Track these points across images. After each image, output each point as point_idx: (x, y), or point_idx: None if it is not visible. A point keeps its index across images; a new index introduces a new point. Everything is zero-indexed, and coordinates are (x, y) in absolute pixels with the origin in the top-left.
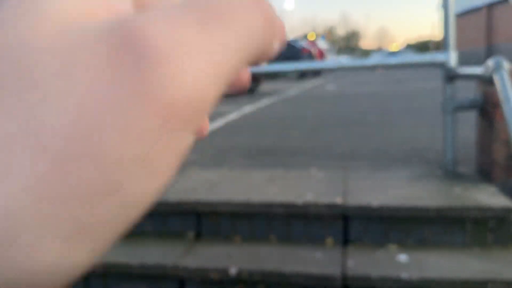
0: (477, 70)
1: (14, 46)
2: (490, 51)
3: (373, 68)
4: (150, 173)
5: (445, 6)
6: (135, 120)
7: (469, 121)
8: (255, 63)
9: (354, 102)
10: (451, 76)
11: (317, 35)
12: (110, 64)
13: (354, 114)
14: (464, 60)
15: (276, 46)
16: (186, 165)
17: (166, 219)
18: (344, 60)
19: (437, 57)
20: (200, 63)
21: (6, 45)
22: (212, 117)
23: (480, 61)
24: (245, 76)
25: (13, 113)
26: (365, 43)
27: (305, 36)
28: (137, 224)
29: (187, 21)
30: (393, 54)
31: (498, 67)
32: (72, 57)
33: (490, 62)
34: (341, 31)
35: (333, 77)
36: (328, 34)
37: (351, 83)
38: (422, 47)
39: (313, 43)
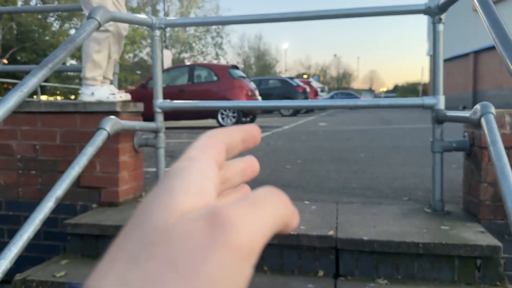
0: (465, 113)
1: (151, 230)
2: (476, 97)
3: (365, 108)
4: None
5: (435, 53)
6: (223, 258)
7: (456, 161)
8: (283, 230)
9: (345, 139)
10: (440, 119)
11: (310, 76)
12: (208, 230)
13: (345, 151)
14: (453, 104)
15: (294, 222)
16: None
17: None
18: (338, 99)
19: (427, 100)
20: (254, 227)
21: (145, 230)
22: None
23: (468, 105)
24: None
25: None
26: (356, 84)
27: (299, 76)
28: None
29: (247, 205)
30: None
31: (485, 112)
32: (187, 232)
33: (478, 107)
34: (333, 72)
35: (326, 114)
36: (321, 75)
37: (342, 120)
38: (411, 89)
39: (307, 82)
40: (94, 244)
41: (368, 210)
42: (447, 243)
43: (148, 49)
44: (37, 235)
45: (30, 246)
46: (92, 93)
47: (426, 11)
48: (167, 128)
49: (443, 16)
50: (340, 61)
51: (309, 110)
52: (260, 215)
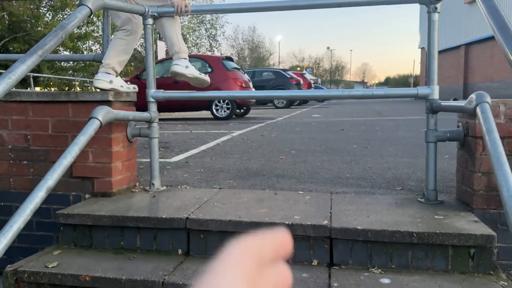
0: (460, 103)
1: None
2: (467, 89)
3: (360, 98)
4: None
5: (429, 42)
6: None
7: (449, 152)
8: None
9: (338, 130)
10: (434, 109)
11: (303, 68)
12: None
13: (339, 142)
14: (444, 96)
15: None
16: (177, 185)
17: (156, 235)
18: (333, 90)
19: (422, 90)
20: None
21: None
22: (203, 139)
23: (459, 98)
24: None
25: None
26: (349, 77)
27: (293, 68)
28: (127, 240)
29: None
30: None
31: (481, 101)
32: None
33: (474, 96)
34: (326, 65)
35: (319, 106)
36: (314, 67)
37: (335, 112)
38: (402, 82)
39: (300, 75)
40: (88, 234)
41: (361, 200)
42: (441, 232)
43: (142, 41)
44: (29, 226)
45: (21, 237)
46: (111, 81)
47: (421, 0)
48: (161, 120)
49: (438, 5)
50: (333, 54)
51: (303, 102)
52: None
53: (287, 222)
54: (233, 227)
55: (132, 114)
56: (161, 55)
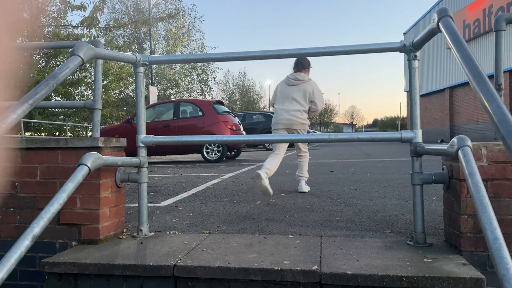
0: (443, 147)
1: None
2: (453, 130)
3: (346, 141)
4: None
5: (411, 88)
6: None
7: (436, 194)
8: None
9: (328, 172)
10: (419, 152)
11: None
12: None
13: (328, 184)
14: (432, 138)
15: None
16: (166, 230)
17: (142, 284)
18: (320, 133)
19: (405, 134)
20: None
21: None
22: (193, 183)
23: (446, 139)
24: None
25: None
26: (337, 119)
27: None
28: (111, 287)
29: None
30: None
31: (462, 144)
32: None
33: (455, 140)
34: None
35: (309, 148)
36: None
37: (324, 153)
38: (390, 124)
39: None
40: (73, 283)
41: (351, 243)
42: (430, 276)
43: (134, 86)
44: (13, 275)
45: (5, 287)
46: None
47: (402, 48)
48: (151, 163)
49: (418, 53)
50: (322, 97)
51: (292, 144)
52: None
53: (276, 268)
54: (222, 274)
55: (121, 159)
56: (153, 99)
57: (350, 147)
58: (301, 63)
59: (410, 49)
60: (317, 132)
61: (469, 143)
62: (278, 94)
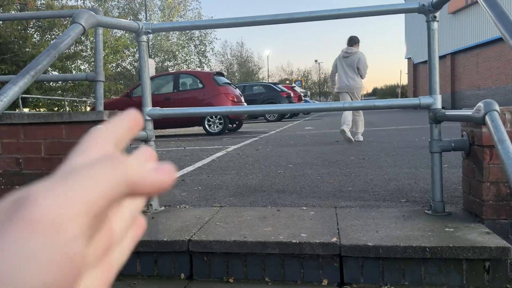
0: (466, 112)
1: None
2: (455, 97)
3: (361, 109)
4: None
5: (430, 51)
6: (20, 232)
7: (447, 161)
8: (137, 192)
9: (333, 142)
10: (438, 118)
11: (292, 81)
12: (10, 207)
13: (335, 154)
14: None
15: (152, 181)
16: (175, 204)
17: (156, 260)
18: (334, 102)
19: (424, 100)
20: (60, 200)
21: None
22: (198, 156)
23: (447, 106)
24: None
25: None
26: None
27: (282, 81)
28: (127, 265)
29: (56, 179)
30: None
31: (490, 109)
32: None
33: (481, 105)
34: (314, 77)
35: (310, 118)
36: (303, 80)
37: (327, 123)
38: (390, 92)
39: (290, 88)
40: None
41: (367, 214)
42: (455, 246)
43: (130, 59)
44: None
45: None
46: None
47: (420, 9)
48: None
49: (437, 14)
50: (320, 67)
51: (294, 115)
52: (72, 187)
53: (294, 241)
54: (239, 248)
55: None
56: (151, 72)
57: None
58: (353, 39)
59: (429, 10)
60: (316, 102)
61: (497, 107)
62: (338, 65)
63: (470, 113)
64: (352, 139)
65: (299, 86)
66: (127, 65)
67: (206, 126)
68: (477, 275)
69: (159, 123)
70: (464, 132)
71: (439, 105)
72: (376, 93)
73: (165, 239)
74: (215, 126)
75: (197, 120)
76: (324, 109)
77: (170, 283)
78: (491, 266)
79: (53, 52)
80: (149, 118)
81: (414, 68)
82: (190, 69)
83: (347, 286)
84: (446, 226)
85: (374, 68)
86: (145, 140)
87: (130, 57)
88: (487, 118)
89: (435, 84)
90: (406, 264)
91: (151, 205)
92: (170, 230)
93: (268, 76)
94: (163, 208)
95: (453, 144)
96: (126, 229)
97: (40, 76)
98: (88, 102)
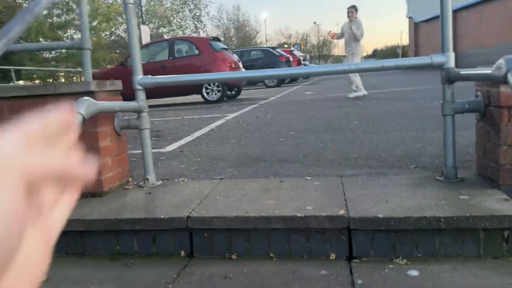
0: (485, 70)
1: None
2: (457, 56)
3: (369, 71)
4: None
5: (442, 5)
6: None
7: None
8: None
9: (335, 106)
10: (452, 78)
11: (291, 45)
12: None
13: (338, 119)
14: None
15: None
16: (173, 177)
17: (154, 238)
18: (339, 64)
19: (436, 58)
20: None
21: None
22: (196, 125)
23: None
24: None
25: None
26: (337, 51)
27: (280, 45)
28: (124, 244)
29: None
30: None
31: None
32: None
33: (503, 61)
34: (314, 40)
35: (310, 83)
36: (302, 44)
37: (328, 88)
38: (390, 53)
39: (289, 52)
40: (80, 240)
41: (375, 182)
42: (472, 215)
43: (124, 26)
44: None
45: None
46: None
47: None
48: (150, 107)
49: None
50: (319, 29)
51: (293, 80)
52: None
53: (299, 215)
54: (241, 224)
55: (118, 104)
56: (146, 39)
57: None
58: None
59: None
60: (315, 65)
61: None
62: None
63: (490, 71)
64: (362, 93)
65: (298, 50)
66: (121, 32)
67: (204, 94)
68: (495, 244)
69: (156, 92)
70: (478, 93)
71: (452, 63)
72: (377, 54)
73: (162, 217)
74: (214, 94)
75: (195, 88)
76: (327, 72)
77: (170, 261)
78: (510, 235)
79: (28, 16)
80: (140, 88)
81: (415, 28)
82: (185, 35)
83: (356, 260)
84: (460, 193)
85: (373, 28)
86: (138, 111)
87: (124, 24)
88: (509, 76)
89: (447, 40)
90: (420, 235)
91: (147, 179)
92: (168, 206)
93: (266, 40)
94: (160, 182)
95: (467, 106)
96: (57, 198)
97: (26, 45)
98: (114, 82)
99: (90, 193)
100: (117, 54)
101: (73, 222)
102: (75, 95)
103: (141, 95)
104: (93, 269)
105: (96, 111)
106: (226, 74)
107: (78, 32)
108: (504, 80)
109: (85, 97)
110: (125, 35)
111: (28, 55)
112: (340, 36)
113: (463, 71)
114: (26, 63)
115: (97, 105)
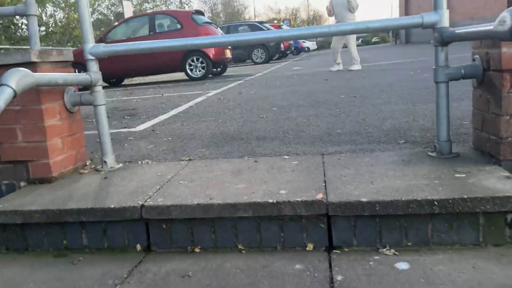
0: (486, 27)
1: None
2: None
3: (351, 33)
4: None
5: None
6: None
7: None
8: None
9: (322, 80)
10: (446, 39)
11: (280, 20)
12: None
13: (323, 93)
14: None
15: None
16: (138, 159)
17: (105, 230)
18: (317, 26)
19: (428, 17)
20: None
21: None
22: (175, 103)
23: None
24: None
25: None
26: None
27: (270, 21)
28: (71, 238)
29: None
30: None
31: None
32: None
33: (507, 14)
34: (303, 15)
35: (299, 59)
36: (292, 19)
37: (316, 63)
38: None
39: (278, 27)
40: (21, 234)
41: (360, 160)
42: (470, 197)
43: (107, 2)
44: None
45: None
46: None
47: None
48: (131, 85)
49: None
50: (309, 3)
51: (282, 56)
52: None
53: (271, 201)
54: (203, 213)
55: (62, 77)
56: (128, 15)
57: (342, 54)
58: None
59: None
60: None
61: None
62: None
63: (491, 27)
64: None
65: (287, 26)
66: (104, 9)
67: (188, 71)
68: (496, 230)
69: (138, 70)
70: (476, 56)
71: (446, 22)
72: None
73: (112, 206)
74: (197, 71)
75: (178, 65)
76: (307, 35)
77: (123, 257)
78: None
79: None
80: (92, 57)
81: (406, 1)
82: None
83: (337, 251)
84: (456, 171)
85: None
86: (89, 85)
87: (107, 0)
88: None
89: None
90: (409, 221)
91: (105, 162)
92: (122, 194)
93: (255, 16)
94: (120, 165)
95: (463, 71)
96: None
97: None
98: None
99: (38, 179)
100: (101, 32)
101: (10, 214)
102: (13, 66)
103: (93, 66)
104: (32, 268)
105: (32, 84)
106: (197, 40)
107: (58, 9)
108: (509, 36)
109: (18, 68)
110: (108, 12)
111: (3, 33)
112: (333, 9)
113: (459, 30)
114: (2, 42)
115: (34, 77)
